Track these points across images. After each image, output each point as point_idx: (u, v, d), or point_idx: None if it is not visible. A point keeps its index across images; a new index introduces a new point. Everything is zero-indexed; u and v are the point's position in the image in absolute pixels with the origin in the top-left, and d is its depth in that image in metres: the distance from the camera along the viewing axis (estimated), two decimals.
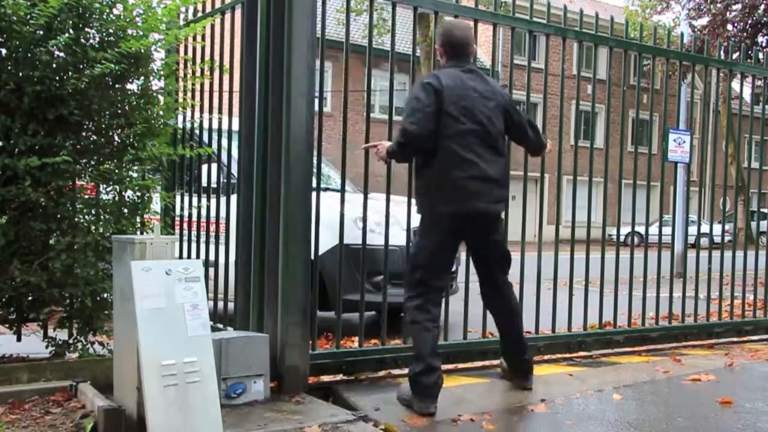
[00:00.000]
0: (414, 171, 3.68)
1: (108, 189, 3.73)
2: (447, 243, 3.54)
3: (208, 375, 2.67)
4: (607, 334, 4.87)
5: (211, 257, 4.20)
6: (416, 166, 3.61)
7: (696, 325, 5.36)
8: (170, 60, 4.13)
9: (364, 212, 3.94)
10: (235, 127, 3.96)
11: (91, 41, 3.58)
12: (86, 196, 3.66)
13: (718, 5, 13.17)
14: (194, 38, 4.34)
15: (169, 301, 2.65)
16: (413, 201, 4.08)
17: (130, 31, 3.65)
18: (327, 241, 4.14)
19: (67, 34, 3.37)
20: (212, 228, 4.28)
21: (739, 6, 12.96)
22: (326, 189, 5.55)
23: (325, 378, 3.80)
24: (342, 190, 3.96)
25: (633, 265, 5.02)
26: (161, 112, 3.91)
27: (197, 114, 4.43)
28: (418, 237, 3.60)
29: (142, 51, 3.60)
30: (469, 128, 3.43)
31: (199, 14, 4.46)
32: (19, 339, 3.75)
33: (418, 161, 3.58)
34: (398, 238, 4.35)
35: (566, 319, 4.68)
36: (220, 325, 4.08)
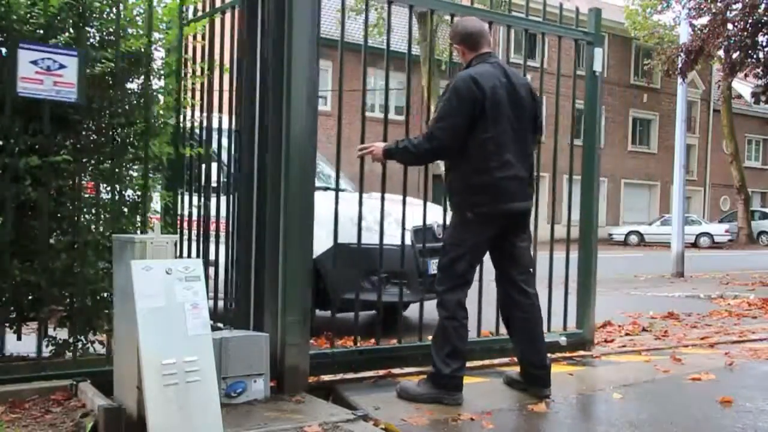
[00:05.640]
0: (449, 169, 3.63)
1: (108, 188, 3.73)
2: (486, 240, 3.54)
3: (208, 374, 2.68)
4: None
5: (212, 256, 4.20)
6: (451, 165, 3.59)
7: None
8: (170, 60, 4.12)
9: (359, 210, 3.94)
10: (234, 126, 3.96)
11: (92, 40, 3.58)
12: (86, 195, 3.66)
13: (719, 4, 13.15)
14: (194, 37, 4.33)
15: (169, 300, 2.65)
16: (411, 201, 4.09)
17: (130, 31, 3.65)
18: (327, 240, 4.13)
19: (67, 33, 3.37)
20: (210, 227, 4.27)
21: (739, 5, 12.94)
22: (326, 188, 5.57)
23: (325, 377, 3.80)
24: (336, 189, 3.97)
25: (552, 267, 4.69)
26: (161, 112, 3.91)
27: (197, 113, 4.43)
28: (456, 232, 3.57)
29: (143, 50, 3.60)
30: (504, 128, 3.45)
31: (200, 13, 4.46)
32: (19, 338, 3.74)
33: (454, 160, 3.55)
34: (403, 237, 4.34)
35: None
36: (220, 325, 4.07)
